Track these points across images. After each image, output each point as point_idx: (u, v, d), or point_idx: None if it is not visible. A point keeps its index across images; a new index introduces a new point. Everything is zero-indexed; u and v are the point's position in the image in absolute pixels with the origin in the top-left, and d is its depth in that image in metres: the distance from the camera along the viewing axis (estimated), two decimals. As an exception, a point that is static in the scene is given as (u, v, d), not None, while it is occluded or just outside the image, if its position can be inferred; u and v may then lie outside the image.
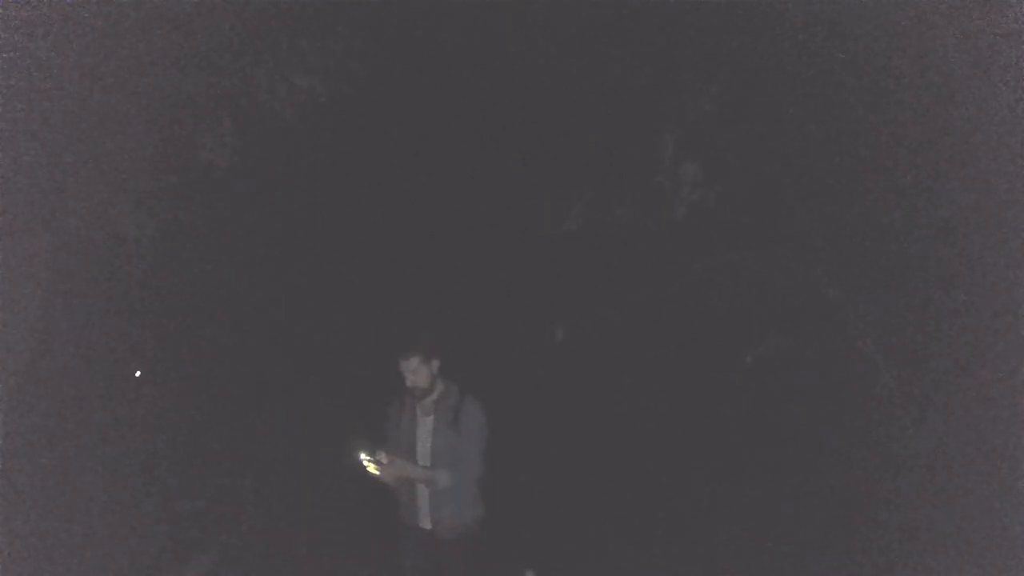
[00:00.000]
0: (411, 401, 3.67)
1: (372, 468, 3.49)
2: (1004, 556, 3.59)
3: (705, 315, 5.10)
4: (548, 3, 5.15)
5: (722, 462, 4.93)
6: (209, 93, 4.51)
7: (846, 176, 4.41)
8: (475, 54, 5.33)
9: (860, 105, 4.33)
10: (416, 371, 3.59)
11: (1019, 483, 3.68)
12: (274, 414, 5.06)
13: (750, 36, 4.65)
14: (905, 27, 4.05)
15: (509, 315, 5.81)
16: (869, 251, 4.34)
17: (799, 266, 4.63)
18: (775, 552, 4.54)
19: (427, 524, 3.65)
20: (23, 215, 3.31)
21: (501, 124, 5.54)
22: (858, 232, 4.40)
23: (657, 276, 5.31)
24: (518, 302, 5.83)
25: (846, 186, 4.42)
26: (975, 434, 3.93)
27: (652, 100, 5.07)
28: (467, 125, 5.59)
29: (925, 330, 4.21)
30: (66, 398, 3.60)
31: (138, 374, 4.09)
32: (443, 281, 5.69)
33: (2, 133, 3.13)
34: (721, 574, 4.68)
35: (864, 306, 4.34)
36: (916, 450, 4.18)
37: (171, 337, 4.47)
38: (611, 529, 5.06)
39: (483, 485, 3.71)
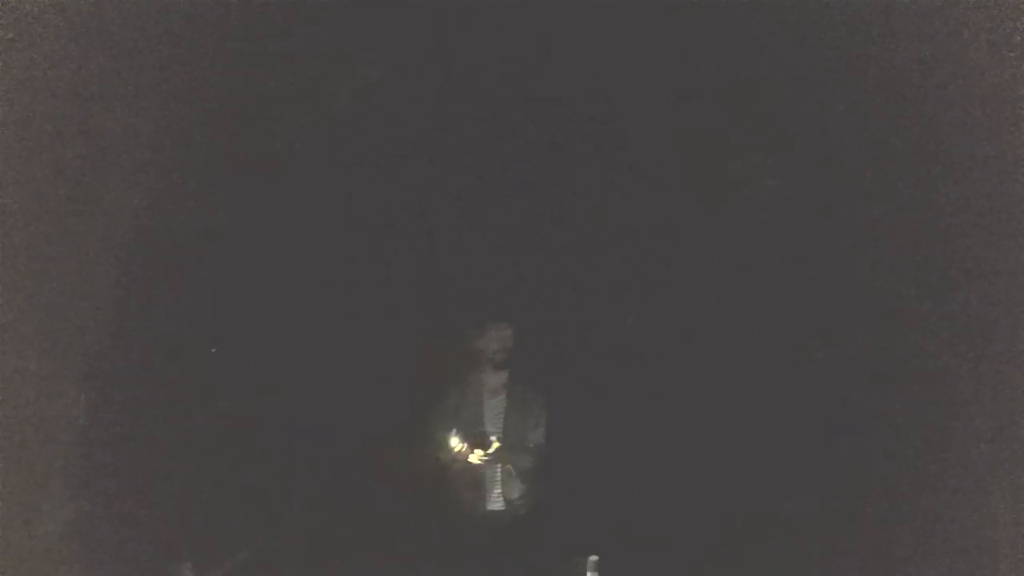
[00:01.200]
0: (475, 384, 3.80)
1: (476, 457, 3.58)
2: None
3: (773, 311, 5.01)
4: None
5: (791, 459, 4.84)
6: (281, 87, 4.67)
7: (921, 170, 4.24)
8: (545, 43, 5.35)
9: (935, 99, 4.16)
10: (507, 338, 3.75)
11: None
12: (328, 407, 5.20)
13: (818, 24, 4.53)
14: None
15: (577, 304, 5.84)
16: (943, 247, 4.17)
17: (870, 261, 4.49)
18: (844, 552, 4.45)
19: (499, 506, 3.74)
20: (102, 207, 3.50)
21: (569, 115, 5.55)
22: (934, 227, 4.24)
23: (723, 271, 5.24)
24: (586, 293, 5.85)
25: (922, 180, 4.26)
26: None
27: (716, 95, 5.00)
28: (537, 116, 5.62)
29: (1002, 332, 4.03)
30: (140, 382, 3.78)
31: (213, 350, 4.25)
32: (512, 269, 5.75)
33: (85, 129, 3.30)
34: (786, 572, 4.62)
35: (937, 304, 4.18)
36: (988, 454, 4.01)
37: (243, 322, 4.66)
38: (672, 519, 5.04)
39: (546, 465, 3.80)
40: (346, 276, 5.38)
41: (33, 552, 2.81)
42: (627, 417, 5.42)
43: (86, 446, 3.12)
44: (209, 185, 4.25)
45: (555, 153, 5.67)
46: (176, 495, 3.81)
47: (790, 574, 4.63)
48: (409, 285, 5.60)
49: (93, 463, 3.14)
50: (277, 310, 4.92)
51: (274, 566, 4.57)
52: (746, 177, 5.00)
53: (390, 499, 4.93)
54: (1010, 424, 3.82)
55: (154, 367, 3.76)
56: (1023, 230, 3.71)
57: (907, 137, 4.22)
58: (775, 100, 4.82)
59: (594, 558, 4.56)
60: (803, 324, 4.93)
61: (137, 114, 3.70)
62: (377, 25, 4.81)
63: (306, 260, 5.13)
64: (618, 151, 5.54)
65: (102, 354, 3.31)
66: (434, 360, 4.18)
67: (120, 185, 3.64)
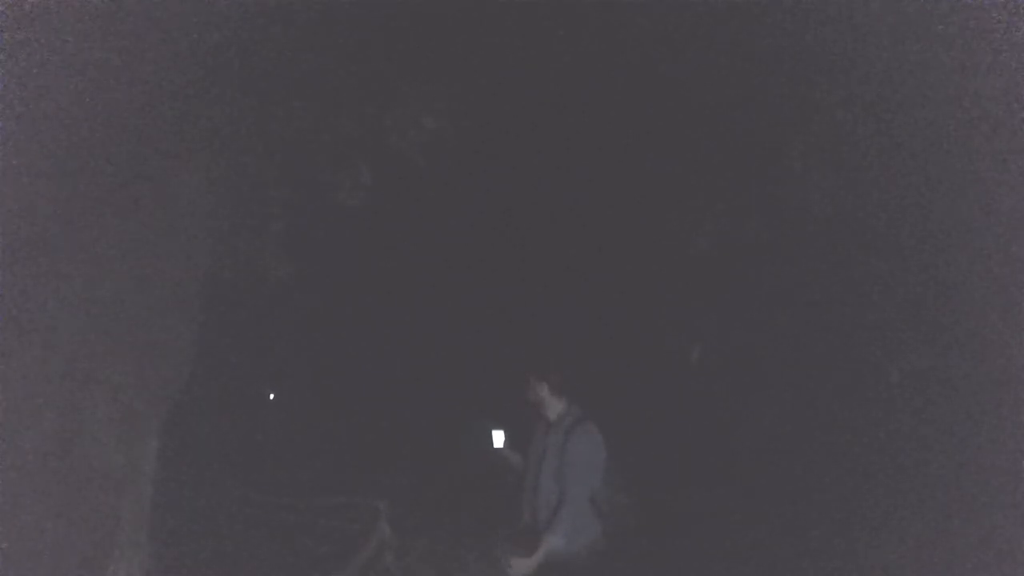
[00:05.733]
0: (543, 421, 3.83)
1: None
2: None
3: (844, 330, 4.84)
4: (669, 17, 5.11)
5: (869, 481, 4.62)
6: (344, 138, 4.83)
7: (990, 182, 4.05)
8: (599, 79, 5.38)
9: (1005, 106, 3.98)
10: (542, 396, 3.75)
11: None
12: (410, 436, 5.28)
13: (879, 37, 4.41)
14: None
15: (643, 336, 5.79)
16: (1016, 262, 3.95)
17: (940, 277, 4.29)
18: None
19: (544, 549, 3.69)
20: (173, 258, 3.68)
21: (627, 146, 5.55)
22: (1006, 242, 4.02)
23: (790, 291, 5.10)
24: (652, 322, 5.79)
25: (991, 192, 4.06)
26: None
27: (778, 109, 4.91)
28: (594, 150, 5.64)
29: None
30: (217, 420, 3.95)
31: (272, 397, 4.40)
32: (574, 303, 5.76)
33: (151, 184, 3.47)
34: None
35: (1011, 318, 3.95)
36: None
37: (310, 366, 4.80)
38: (741, 551, 4.87)
39: (598, 504, 3.73)
40: (407, 322, 5.48)
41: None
42: (696, 451, 5.32)
43: (156, 493, 3.25)
44: (276, 236, 4.41)
45: (611, 199, 5.68)
46: (244, 543, 3.91)
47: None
48: (466, 331, 5.66)
49: (163, 510, 3.26)
50: (341, 356, 5.05)
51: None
52: (807, 199, 4.86)
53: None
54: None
55: (223, 414, 3.90)
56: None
57: (977, 148, 4.05)
58: (834, 118, 4.71)
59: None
60: (874, 344, 4.75)
61: (208, 166, 3.88)
62: (433, 75, 4.95)
63: (368, 307, 5.25)
64: (673, 192, 5.52)
65: (172, 402, 3.45)
66: (487, 405, 4.20)
67: (191, 239, 3.82)
